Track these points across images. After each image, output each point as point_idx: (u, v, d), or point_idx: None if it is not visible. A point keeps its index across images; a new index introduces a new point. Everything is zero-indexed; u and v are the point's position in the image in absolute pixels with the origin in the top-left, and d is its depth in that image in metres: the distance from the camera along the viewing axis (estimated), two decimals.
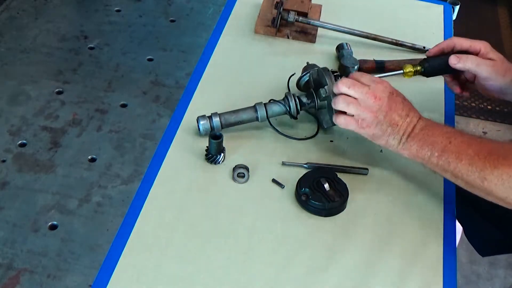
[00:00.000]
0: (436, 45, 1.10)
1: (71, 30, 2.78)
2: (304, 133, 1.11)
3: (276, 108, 1.06)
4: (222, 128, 1.05)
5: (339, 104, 0.96)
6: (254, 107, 1.06)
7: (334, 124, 1.03)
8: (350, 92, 0.95)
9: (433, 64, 1.10)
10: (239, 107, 1.07)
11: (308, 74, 1.09)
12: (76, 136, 2.26)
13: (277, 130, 1.09)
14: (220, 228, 0.94)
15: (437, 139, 0.91)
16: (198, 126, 1.05)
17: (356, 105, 0.94)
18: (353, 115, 0.95)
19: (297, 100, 1.06)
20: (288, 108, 1.06)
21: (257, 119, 1.06)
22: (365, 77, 0.97)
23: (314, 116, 1.13)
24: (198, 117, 1.05)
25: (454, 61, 1.05)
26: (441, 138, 0.91)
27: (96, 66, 2.60)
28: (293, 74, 1.18)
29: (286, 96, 1.07)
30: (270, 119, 1.08)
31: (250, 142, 1.08)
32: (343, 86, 0.96)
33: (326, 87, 1.03)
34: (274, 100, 1.07)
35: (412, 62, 1.13)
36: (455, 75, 1.11)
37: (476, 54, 1.06)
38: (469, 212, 1.26)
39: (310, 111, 1.12)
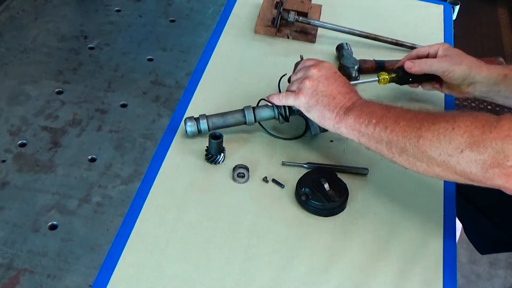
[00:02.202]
0: (404, 58, 1.14)
1: (71, 30, 2.78)
2: (297, 133, 1.10)
3: (264, 113, 1.06)
4: (209, 131, 1.05)
5: (291, 87, 1.00)
6: (243, 111, 1.05)
7: (323, 131, 1.03)
8: (299, 72, 1.00)
9: (407, 72, 1.13)
10: (239, 107, 1.07)
11: None
12: (76, 136, 2.26)
13: (264, 129, 1.09)
14: (220, 228, 0.94)
15: (376, 109, 0.91)
16: (186, 128, 1.05)
17: (298, 80, 0.98)
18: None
19: (286, 106, 1.04)
20: (276, 114, 1.05)
21: (245, 123, 1.06)
22: (312, 60, 1.02)
23: (305, 121, 1.12)
24: (185, 119, 1.05)
25: (409, 66, 1.09)
26: (380, 109, 0.90)
27: (96, 66, 2.60)
28: (284, 75, 1.18)
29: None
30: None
31: (250, 142, 1.08)
32: (295, 74, 1.01)
33: None
34: (263, 105, 1.06)
35: (392, 66, 1.20)
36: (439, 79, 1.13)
37: (435, 55, 1.09)
38: (469, 210, 1.26)
39: (302, 115, 1.11)
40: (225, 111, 1.07)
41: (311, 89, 0.95)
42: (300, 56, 1.13)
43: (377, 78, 1.14)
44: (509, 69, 1.05)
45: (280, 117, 1.05)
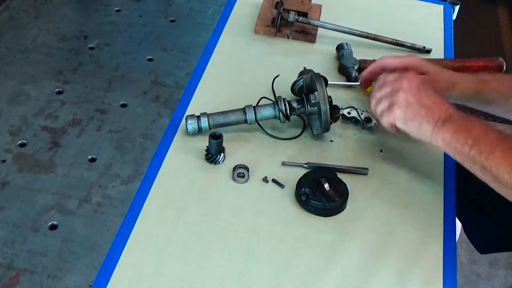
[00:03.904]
0: (367, 68, 1.10)
1: (71, 30, 2.78)
2: (295, 133, 1.10)
3: (265, 112, 1.06)
4: (210, 129, 1.05)
5: (379, 105, 0.97)
6: (244, 110, 1.06)
7: (325, 131, 1.03)
8: (381, 81, 0.97)
9: None
10: (239, 107, 1.07)
11: (302, 79, 1.09)
12: (76, 136, 2.26)
13: (262, 129, 1.09)
14: (220, 228, 0.94)
15: (474, 127, 0.88)
16: (186, 125, 1.05)
17: (388, 94, 0.94)
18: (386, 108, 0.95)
19: (287, 105, 1.05)
20: (277, 113, 1.05)
21: (246, 121, 1.06)
22: (394, 73, 0.98)
23: (307, 122, 1.12)
24: (186, 117, 1.06)
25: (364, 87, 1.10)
26: (478, 128, 0.87)
27: (96, 66, 2.60)
28: (277, 76, 1.18)
29: (276, 100, 1.06)
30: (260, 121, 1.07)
31: (250, 142, 1.08)
32: (390, 59, 1.00)
33: (316, 93, 1.02)
34: (264, 105, 1.06)
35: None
36: None
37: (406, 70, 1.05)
38: (469, 210, 1.26)
39: (302, 116, 1.11)
40: (228, 108, 1.07)
41: (406, 101, 0.92)
42: (304, 67, 1.13)
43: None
44: (484, 82, 1.05)
45: (281, 116, 1.05)
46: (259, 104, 1.08)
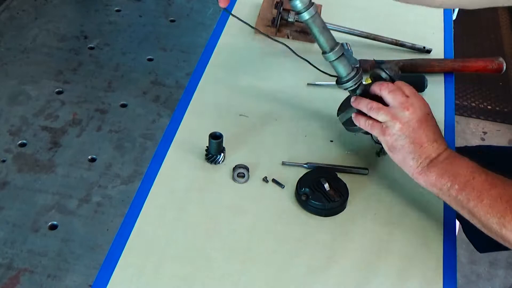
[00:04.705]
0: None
1: (71, 30, 2.78)
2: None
3: (342, 66, 0.98)
4: (305, 21, 0.94)
5: (365, 104, 0.94)
6: (341, 45, 0.98)
7: (345, 125, 1.01)
8: (388, 96, 0.92)
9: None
10: (239, 107, 1.07)
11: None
12: (76, 136, 2.26)
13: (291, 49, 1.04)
14: (220, 228, 0.94)
15: (461, 171, 0.86)
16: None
17: (387, 112, 0.91)
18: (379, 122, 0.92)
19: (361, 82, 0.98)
20: (349, 78, 0.98)
21: (327, 52, 0.97)
22: (408, 88, 0.93)
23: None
24: None
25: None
26: (464, 171, 0.85)
27: (96, 66, 2.60)
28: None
29: (359, 66, 1.00)
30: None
31: (250, 142, 1.09)
32: (384, 89, 0.93)
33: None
34: (347, 59, 0.99)
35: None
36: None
37: None
38: None
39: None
40: (228, 108, 1.04)
41: (399, 133, 0.90)
42: (346, 44, 1.05)
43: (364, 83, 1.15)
44: None
45: (351, 86, 0.99)
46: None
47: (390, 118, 0.91)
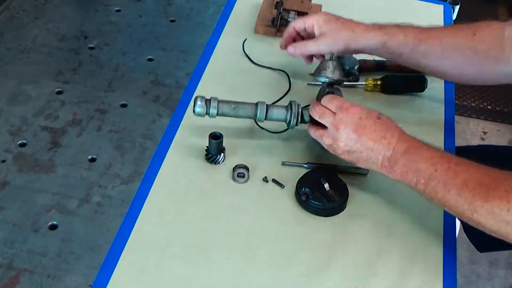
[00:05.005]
0: (283, 37, 1.15)
1: (71, 30, 2.78)
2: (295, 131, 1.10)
3: (276, 115, 1.02)
4: (217, 115, 1.01)
5: (313, 133, 0.98)
6: (255, 106, 1.01)
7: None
8: (321, 121, 0.96)
9: (391, 81, 1.20)
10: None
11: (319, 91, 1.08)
12: (76, 136, 2.26)
13: (262, 127, 1.09)
14: (220, 228, 0.94)
15: (422, 166, 0.86)
16: (194, 106, 1.00)
17: (327, 136, 0.95)
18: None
19: (299, 114, 1.01)
20: (289, 118, 1.01)
21: (254, 118, 1.02)
22: (334, 104, 0.94)
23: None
24: (196, 97, 1.00)
25: (291, 52, 1.10)
26: (425, 165, 0.86)
27: (96, 66, 2.60)
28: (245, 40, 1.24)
29: (290, 105, 1.02)
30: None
31: (250, 142, 1.08)
32: (315, 115, 0.97)
33: None
34: (278, 105, 1.03)
35: (393, 66, 1.25)
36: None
37: (312, 33, 1.11)
38: None
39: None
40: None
41: (346, 149, 0.92)
42: (331, 53, 1.09)
43: (364, 83, 1.20)
44: (390, 34, 1.05)
45: (292, 122, 1.02)
46: (272, 103, 1.06)
47: (332, 141, 0.94)
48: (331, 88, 1.05)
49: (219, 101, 1.01)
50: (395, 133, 0.90)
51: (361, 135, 0.90)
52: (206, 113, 1.00)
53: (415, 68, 1.09)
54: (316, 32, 1.09)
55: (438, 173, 0.84)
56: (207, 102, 1.00)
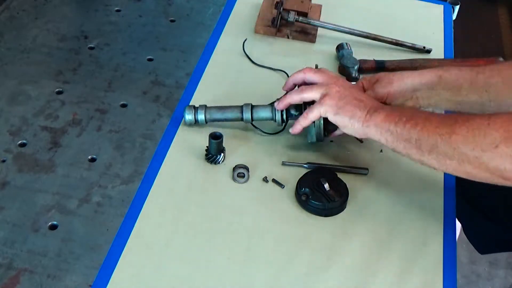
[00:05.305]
0: (288, 79, 1.07)
1: (71, 30, 2.78)
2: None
3: (262, 113, 1.06)
4: (206, 122, 1.08)
5: (301, 91, 0.99)
6: (241, 108, 1.06)
7: (320, 140, 1.03)
8: (315, 76, 1.00)
9: None
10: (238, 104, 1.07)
11: None
12: (76, 136, 2.26)
13: (256, 127, 1.10)
14: (220, 228, 0.94)
15: (407, 110, 0.93)
16: (184, 116, 1.07)
17: (319, 85, 0.98)
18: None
19: (285, 109, 1.04)
20: (274, 115, 1.05)
21: (242, 119, 1.06)
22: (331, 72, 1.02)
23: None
24: (185, 107, 1.08)
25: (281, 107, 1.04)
26: (410, 109, 0.93)
27: (96, 66, 2.60)
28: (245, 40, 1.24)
29: (275, 102, 1.05)
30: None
31: (250, 142, 1.09)
32: (308, 71, 1.01)
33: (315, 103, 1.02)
34: (262, 105, 1.06)
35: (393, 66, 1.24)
36: None
37: None
38: (468, 210, 1.26)
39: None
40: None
41: (339, 94, 0.94)
42: (315, 65, 1.11)
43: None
44: (444, 70, 1.03)
45: (278, 119, 1.05)
46: (257, 104, 1.07)
47: (324, 88, 0.96)
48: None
49: (206, 108, 1.07)
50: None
51: (355, 92, 0.96)
52: (195, 121, 1.07)
53: (481, 107, 1.02)
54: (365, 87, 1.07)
55: (422, 113, 0.89)
56: (195, 109, 1.07)
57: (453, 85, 1.01)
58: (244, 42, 1.30)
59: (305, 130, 1.06)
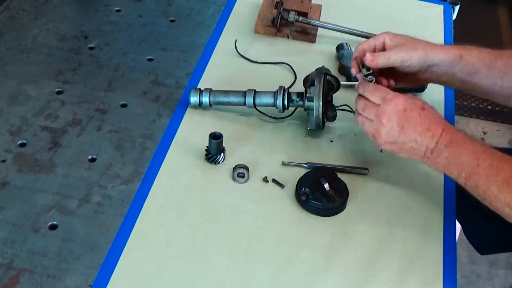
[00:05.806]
0: (352, 60, 1.03)
1: (71, 30, 2.78)
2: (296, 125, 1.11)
3: (264, 99, 1.09)
4: (210, 105, 1.11)
5: (358, 123, 0.96)
6: (244, 93, 1.09)
7: (318, 128, 1.03)
8: (363, 113, 0.94)
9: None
10: (239, 106, 1.07)
11: (310, 74, 1.09)
12: (76, 136, 2.26)
13: (259, 111, 1.11)
14: (220, 228, 0.94)
15: (464, 159, 0.86)
16: (189, 99, 1.11)
17: (369, 125, 0.93)
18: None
19: (286, 95, 1.07)
20: (275, 101, 1.08)
21: (244, 104, 1.09)
22: (377, 95, 0.93)
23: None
24: (190, 90, 1.11)
25: (371, 59, 0.98)
26: (468, 159, 0.86)
27: (96, 66, 2.60)
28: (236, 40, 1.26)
29: (278, 89, 1.08)
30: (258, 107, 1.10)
31: (250, 142, 1.09)
32: (359, 108, 0.95)
33: (312, 87, 1.03)
34: (265, 91, 1.09)
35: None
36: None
37: (383, 47, 1.02)
38: (468, 211, 1.26)
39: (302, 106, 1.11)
40: (228, 108, 1.09)
41: (389, 140, 0.91)
42: (322, 66, 1.11)
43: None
44: (465, 49, 1.01)
45: (279, 105, 1.07)
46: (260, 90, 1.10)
47: (374, 130, 0.92)
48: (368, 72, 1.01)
49: (211, 91, 1.10)
50: (440, 125, 0.90)
51: (406, 127, 0.89)
52: (200, 103, 1.10)
53: (489, 93, 1.02)
54: (390, 43, 1.02)
55: (481, 169, 0.85)
56: (200, 91, 1.10)
57: (471, 68, 1.00)
58: (235, 43, 1.29)
59: (307, 117, 1.06)
